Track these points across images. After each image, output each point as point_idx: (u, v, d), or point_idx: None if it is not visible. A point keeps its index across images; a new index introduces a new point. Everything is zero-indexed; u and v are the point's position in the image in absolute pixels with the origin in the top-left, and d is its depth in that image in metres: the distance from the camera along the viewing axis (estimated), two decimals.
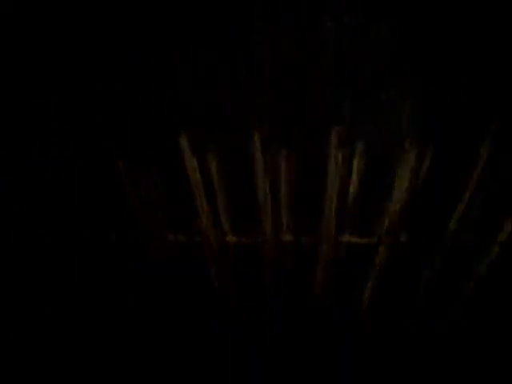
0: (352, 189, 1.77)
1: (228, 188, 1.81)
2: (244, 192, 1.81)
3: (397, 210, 1.77)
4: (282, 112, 1.77)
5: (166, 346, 2.33)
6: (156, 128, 1.80)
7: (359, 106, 1.73)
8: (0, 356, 2.11)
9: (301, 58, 1.70)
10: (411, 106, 1.71)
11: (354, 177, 1.76)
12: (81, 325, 2.29)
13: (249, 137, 1.73)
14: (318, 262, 1.90)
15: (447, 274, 1.93)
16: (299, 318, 2.16)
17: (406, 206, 1.76)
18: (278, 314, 2.14)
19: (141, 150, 1.81)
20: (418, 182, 1.73)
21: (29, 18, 1.61)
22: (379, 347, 2.12)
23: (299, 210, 1.84)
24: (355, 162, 1.75)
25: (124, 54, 1.72)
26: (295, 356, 2.21)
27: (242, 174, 1.78)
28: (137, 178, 1.81)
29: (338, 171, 1.72)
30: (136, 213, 1.88)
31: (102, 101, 1.79)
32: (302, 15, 1.63)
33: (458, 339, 2.05)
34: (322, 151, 1.72)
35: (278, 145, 1.73)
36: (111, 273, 2.12)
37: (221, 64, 1.72)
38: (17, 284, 2.13)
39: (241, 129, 1.78)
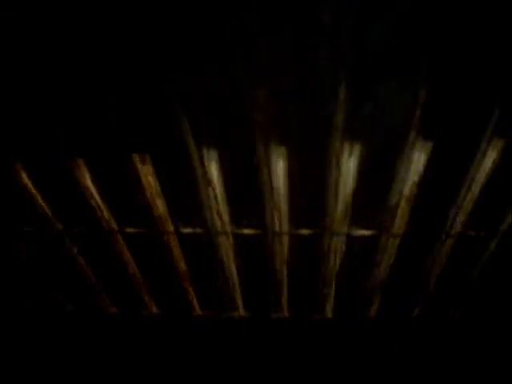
0: (353, 183, 1.78)
1: (230, 182, 1.82)
2: (246, 186, 1.82)
3: (398, 203, 1.78)
4: (282, 109, 1.79)
5: (164, 343, 2.31)
6: (159, 124, 1.81)
7: (359, 101, 1.75)
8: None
9: (300, 56, 1.71)
10: (411, 102, 1.74)
11: (355, 171, 1.78)
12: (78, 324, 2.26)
13: (250, 133, 1.74)
14: (321, 253, 1.90)
15: (449, 264, 1.95)
16: (301, 311, 2.15)
17: (407, 199, 1.78)
18: (279, 303, 2.14)
19: (144, 146, 1.82)
20: (418, 175, 1.75)
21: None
22: (385, 338, 2.12)
23: (301, 203, 1.85)
24: (356, 158, 1.76)
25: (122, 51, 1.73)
26: (297, 348, 2.20)
27: (244, 170, 1.79)
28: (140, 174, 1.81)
29: (339, 165, 1.73)
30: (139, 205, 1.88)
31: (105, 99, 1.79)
32: (301, 12, 1.65)
33: (462, 330, 2.06)
34: (323, 146, 1.74)
35: (279, 140, 1.74)
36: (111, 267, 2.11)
37: (221, 62, 1.73)
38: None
39: (242, 126, 1.79)
